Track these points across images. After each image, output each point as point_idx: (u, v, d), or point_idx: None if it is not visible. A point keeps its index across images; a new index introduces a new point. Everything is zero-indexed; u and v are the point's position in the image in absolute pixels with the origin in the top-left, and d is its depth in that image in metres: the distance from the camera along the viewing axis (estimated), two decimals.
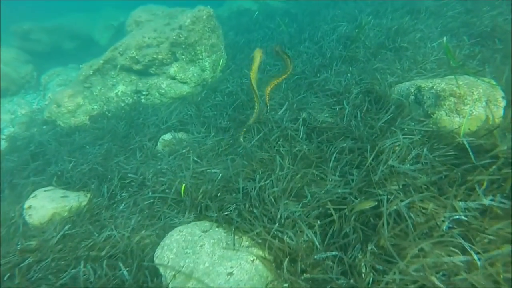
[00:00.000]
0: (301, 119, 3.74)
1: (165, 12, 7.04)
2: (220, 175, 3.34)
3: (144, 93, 5.91)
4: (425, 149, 3.03)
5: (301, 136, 3.69)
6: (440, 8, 6.23)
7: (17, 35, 10.23)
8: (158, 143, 4.33)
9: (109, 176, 3.89)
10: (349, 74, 4.67)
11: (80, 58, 10.47)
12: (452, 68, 4.20)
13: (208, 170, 3.48)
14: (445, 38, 3.65)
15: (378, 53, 5.23)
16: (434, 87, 3.41)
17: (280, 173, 3.24)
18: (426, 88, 3.51)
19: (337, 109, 4.00)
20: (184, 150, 3.94)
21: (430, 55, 4.73)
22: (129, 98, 6.01)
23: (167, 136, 4.33)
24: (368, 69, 4.75)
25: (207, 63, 6.00)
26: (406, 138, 3.20)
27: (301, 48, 6.01)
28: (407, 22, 5.99)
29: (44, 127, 5.99)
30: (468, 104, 3.17)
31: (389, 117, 3.60)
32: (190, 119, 4.64)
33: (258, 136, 3.76)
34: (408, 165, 2.98)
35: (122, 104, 5.95)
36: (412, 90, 3.70)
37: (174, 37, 5.73)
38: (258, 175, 3.27)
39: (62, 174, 4.06)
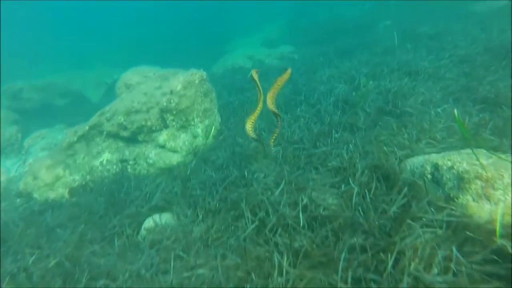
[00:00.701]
0: (300, 206, 3.24)
1: (157, 73, 6.88)
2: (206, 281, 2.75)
3: (130, 162, 5.47)
4: (454, 249, 2.50)
5: (302, 224, 3.16)
6: (438, 70, 6.12)
7: (8, 95, 10.10)
8: (140, 231, 3.77)
9: (77, 276, 3.25)
10: (351, 145, 4.29)
11: (70, 115, 10.25)
12: (465, 139, 3.83)
13: (194, 273, 2.89)
14: (455, 110, 3.31)
15: (379, 118, 4.93)
16: (455, 167, 2.98)
17: (279, 279, 2.66)
18: (445, 167, 3.08)
19: (342, 188, 3.54)
20: (168, 242, 3.37)
21: (438, 123, 4.41)
22: (114, 167, 5.55)
23: (149, 223, 3.78)
24: (371, 138, 4.39)
25: (199, 129, 5.66)
26: (427, 231, 2.69)
27: (297, 112, 5.73)
28: (407, 84, 5.82)
29: (18, 200, 5.43)
30: (499, 189, 2.71)
31: (402, 201, 3.12)
32: (176, 198, 4.12)
33: (253, 225, 3.23)
34: (436, 271, 2.43)
35: (106, 174, 5.47)
36: (428, 168, 3.27)
37: (164, 103, 5.45)
38: (252, 281, 2.68)
39: (19, 272, 3.42)
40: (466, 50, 6.46)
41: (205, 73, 5.97)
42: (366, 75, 6.70)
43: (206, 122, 5.80)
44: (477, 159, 2.89)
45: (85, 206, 4.59)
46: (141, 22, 23.04)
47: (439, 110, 4.78)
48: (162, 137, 5.42)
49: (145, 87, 6.16)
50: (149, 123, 5.47)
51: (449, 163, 3.07)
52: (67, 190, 5.40)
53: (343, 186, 3.56)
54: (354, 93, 5.77)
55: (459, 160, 3.04)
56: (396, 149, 3.91)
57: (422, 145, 4.06)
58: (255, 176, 4.01)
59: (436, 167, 3.20)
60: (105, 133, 5.70)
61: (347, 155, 4.04)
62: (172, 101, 5.43)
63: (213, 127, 5.79)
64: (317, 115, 5.46)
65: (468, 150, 3.17)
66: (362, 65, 7.48)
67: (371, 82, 6.23)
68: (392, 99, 5.33)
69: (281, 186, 3.64)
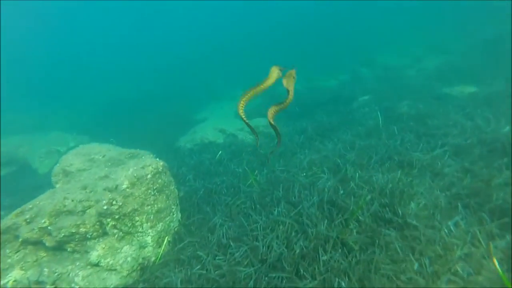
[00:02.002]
0: None
1: (108, 155, 5.70)
2: None
3: (47, 287, 3.98)
4: None
5: None
6: (433, 161, 5.41)
7: None
8: None
9: None
10: (343, 282, 3.16)
11: (9, 189, 8.62)
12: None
13: None
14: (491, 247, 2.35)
15: (376, 232, 3.91)
16: None
17: None
18: None
19: None
20: None
21: (455, 246, 3.43)
22: None
23: None
24: (370, 268, 3.30)
25: (148, 237, 4.38)
26: None
27: (274, 214, 4.63)
28: (401, 180, 5.00)
29: None
30: None
31: None
32: None
33: None
34: None
35: None
36: None
37: (104, 206, 4.20)
38: None
39: None
40: (459, 140, 5.89)
41: (161, 163, 4.90)
42: (353, 163, 5.88)
43: (159, 226, 4.54)
44: None
45: None
46: (110, 84, 22.47)
47: (450, 224, 3.85)
48: (97, 252, 4.06)
49: (88, 177, 4.94)
50: (82, 230, 4.14)
51: None
52: None
53: None
54: (342, 192, 4.82)
55: None
56: None
57: (442, 285, 3.01)
58: None
59: None
60: (21, 240, 4.27)
61: None
62: (114, 202, 4.20)
63: (166, 238, 4.52)
64: (298, 221, 4.37)
65: None
66: (347, 148, 6.73)
67: (359, 173, 5.39)
68: (390, 201, 4.41)
69: None
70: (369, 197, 4.52)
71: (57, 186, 5.19)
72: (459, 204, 4.24)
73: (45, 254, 4.33)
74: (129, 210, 4.23)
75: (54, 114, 17.55)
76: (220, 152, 7.68)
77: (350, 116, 9.18)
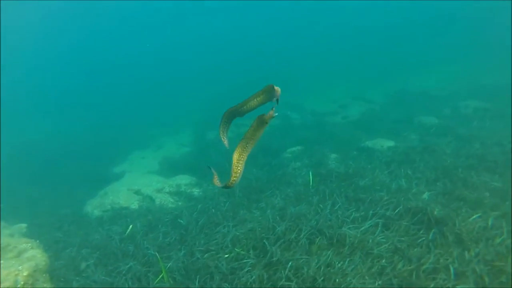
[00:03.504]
0: None
1: None
2: None
3: None
4: None
5: None
6: (364, 237, 5.02)
7: None
8: None
9: None
10: None
11: None
12: None
13: None
14: None
15: None
16: None
17: None
18: None
19: None
20: None
21: None
22: None
23: None
24: None
25: None
26: None
27: None
28: (333, 265, 4.46)
29: None
30: None
31: None
32: None
33: None
34: None
35: None
36: None
37: None
38: None
39: None
40: (388, 211, 5.68)
41: (33, 268, 3.56)
42: (281, 240, 5.23)
43: None
44: None
45: None
46: None
47: None
48: None
49: None
50: None
51: None
52: None
53: None
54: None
55: None
56: None
57: None
58: None
59: None
60: None
61: None
62: None
63: None
64: None
65: None
66: (275, 218, 6.09)
67: (285, 257, 4.74)
68: None
69: None
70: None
71: None
72: None
73: None
74: None
75: None
76: (131, 226, 6.39)
77: (280, 172, 8.74)
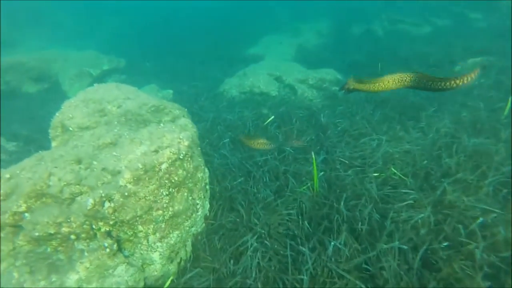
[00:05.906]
0: None
1: (125, 106, 4.22)
2: None
3: None
4: None
5: None
6: None
7: None
8: None
9: None
10: None
11: (34, 109, 7.93)
12: None
13: None
14: None
15: None
16: None
17: None
18: None
19: None
20: None
21: None
22: None
23: None
24: None
25: (155, 254, 3.19)
26: None
27: (329, 250, 3.16)
28: None
29: None
30: None
31: None
32: None
33: None
34: None
35: None
36: None
37: (95, 206, 2.96)
38: None
39: None
40: None
41: (187, 142, 3.40)
42: (451, 177, 4.04)
43: (174, 237, 3.30)
44: None
45: None
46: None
47: None
48: (77, 274, 2.95)
49: (88, 141, 3.66)
50: (65, 230, 3.03)
51: None
52: None
53: None
54: (445, 244, 3.16)
55: None
56: None
57: None
58: None
59: None
60: None
61: None
62: (109, 201, 2.94)
63: (184, 250, 3.30)
64: (364, 278, 2.89)
65: None
66: (441, 145, 4.75)
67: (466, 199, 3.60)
68: None
69: None
70: None
71: (53, 145, 4.03)
72: None
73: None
74: (128, 217, 2.97)
75: (99, 24, 16.32)
76: (271, 117, 5.94)
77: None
